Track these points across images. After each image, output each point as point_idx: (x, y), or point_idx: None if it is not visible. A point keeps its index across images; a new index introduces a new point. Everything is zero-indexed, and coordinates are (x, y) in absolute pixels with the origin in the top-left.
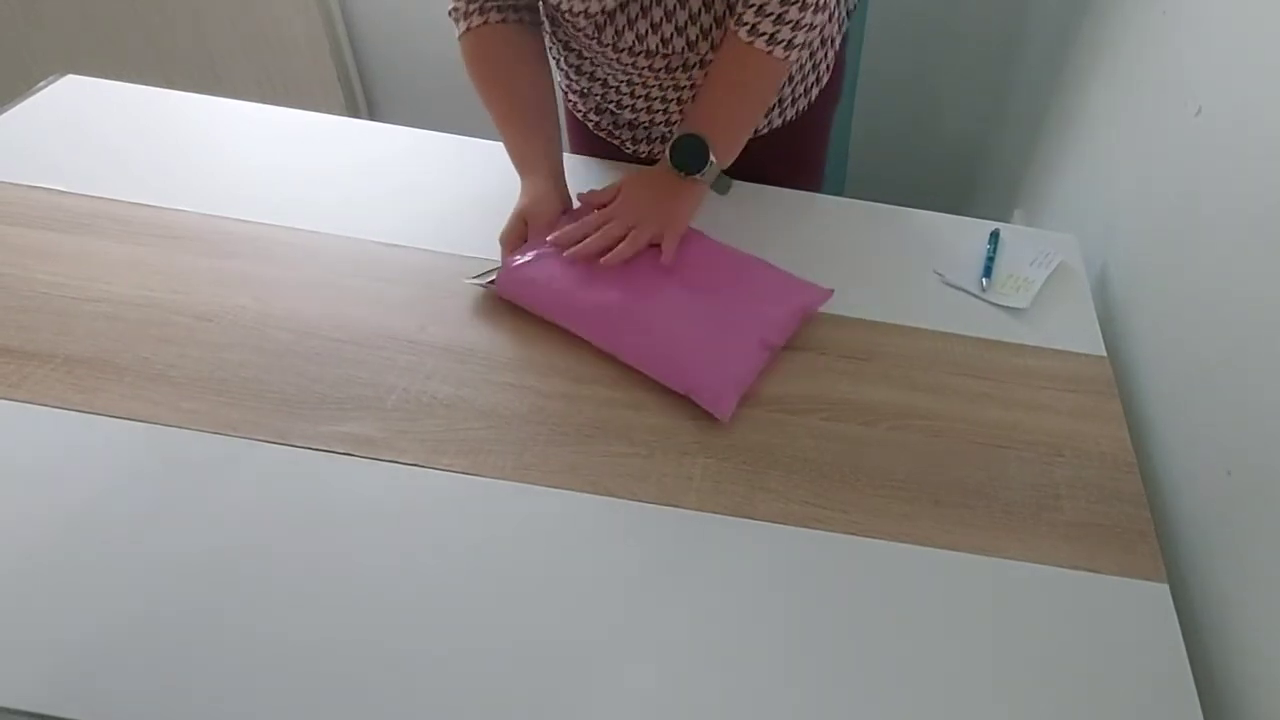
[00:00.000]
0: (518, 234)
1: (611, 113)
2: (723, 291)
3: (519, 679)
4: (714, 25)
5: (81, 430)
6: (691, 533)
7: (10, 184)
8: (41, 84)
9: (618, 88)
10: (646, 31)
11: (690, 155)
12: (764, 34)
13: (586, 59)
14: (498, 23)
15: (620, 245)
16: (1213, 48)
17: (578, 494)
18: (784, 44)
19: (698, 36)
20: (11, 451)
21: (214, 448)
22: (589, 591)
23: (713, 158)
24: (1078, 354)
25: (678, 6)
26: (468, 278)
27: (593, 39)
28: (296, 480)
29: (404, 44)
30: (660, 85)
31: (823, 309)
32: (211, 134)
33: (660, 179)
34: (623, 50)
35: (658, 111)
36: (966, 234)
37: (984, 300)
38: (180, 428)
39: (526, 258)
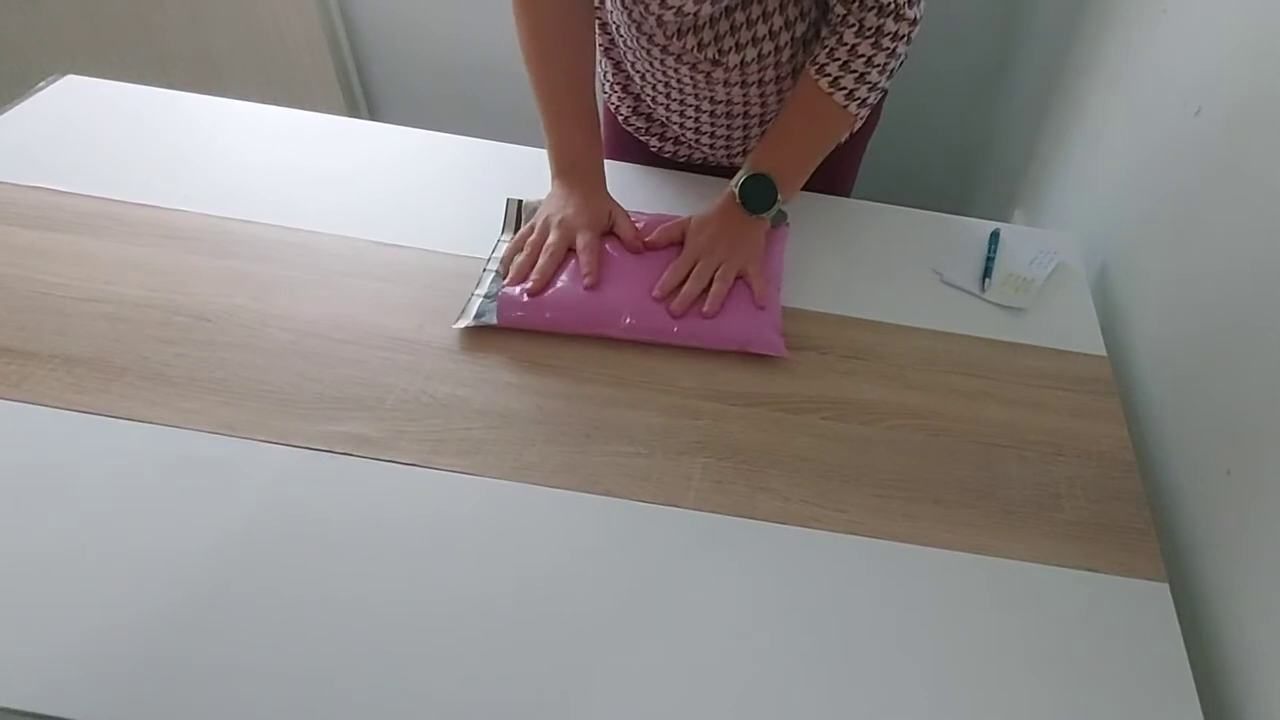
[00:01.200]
0: (560, 253)
1: (647, 113)
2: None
3: (518, 678)
4: (775, 53)
5: (81, 430)
6: (691, 532)
7: (10, 184)
8: (41, 84)
9: (654, 86)
10: (719, 40)
11: (760, 196)
12: (845, 89)
13: (631, 58)
14: None
15: (715, 287)
16: (1213, 48)
17: (577, 494)
18: (859, 101)
19: (756, 58)
20: (11, 451)
21: (213, 447)
22: (588, 591)
23: (780, 198)
24: (1078, 353)
25: (761, 24)
26: (455, 323)
27: (657, 43)
28: (296, 480)
29: (404, 44)
30: (697, 95)
31: (822, 309)
32: (211, 134)
33: (727, 217)
34: (682, 58)
35: (690, 119)
36: (966, 234)
37: (984, 300)
38: (179, 428)
39: (527, 285)
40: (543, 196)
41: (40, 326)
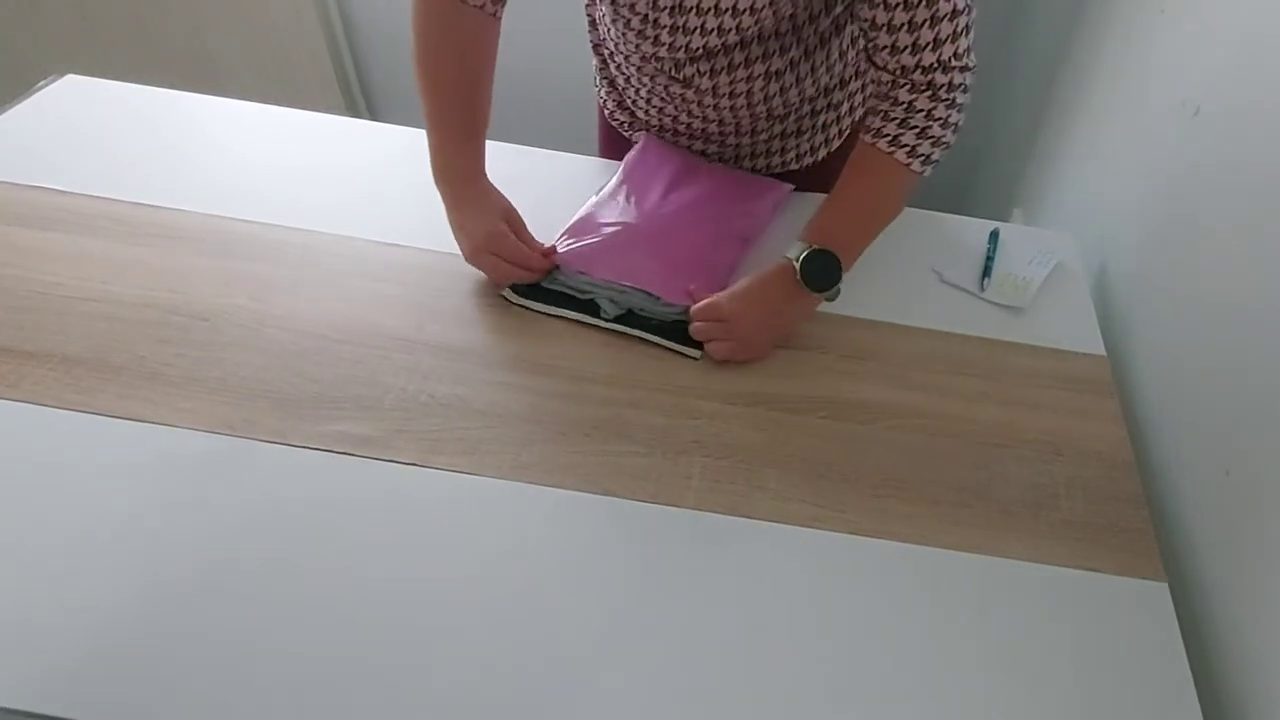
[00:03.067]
0: (505, 266)
1: (631, 111)
2: (715, 201)
3: (517, 677)
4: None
5: (79, 430)
6: (690, 532)
7: (10, 184)
8: (41, 84)
9: (636, 91)
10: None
11: (824, 274)
12: (906, 145)
13: (618, 61)
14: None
15: (720, 351)
16: (1213, 48)
17: (576, 493)
18: (923, 159)
19: (728, 84)
20: (10, 451)
21: (212, 447)
22: (587, 590)
23: (842, 276)
24: (1076, 353)
25: (738, 52)
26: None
27: (633, 63)
28: (294, 479)
29: (404, 44)
30: (675, 106)
31: (822, 309)
32: (211, 134)
33: (775, 295)
34: (656, 79)
35: (668, 117)
36: (966, 233)
37: (983, 299)
38: (178, 427)
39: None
40: (543, 202)
41: (39, 326)
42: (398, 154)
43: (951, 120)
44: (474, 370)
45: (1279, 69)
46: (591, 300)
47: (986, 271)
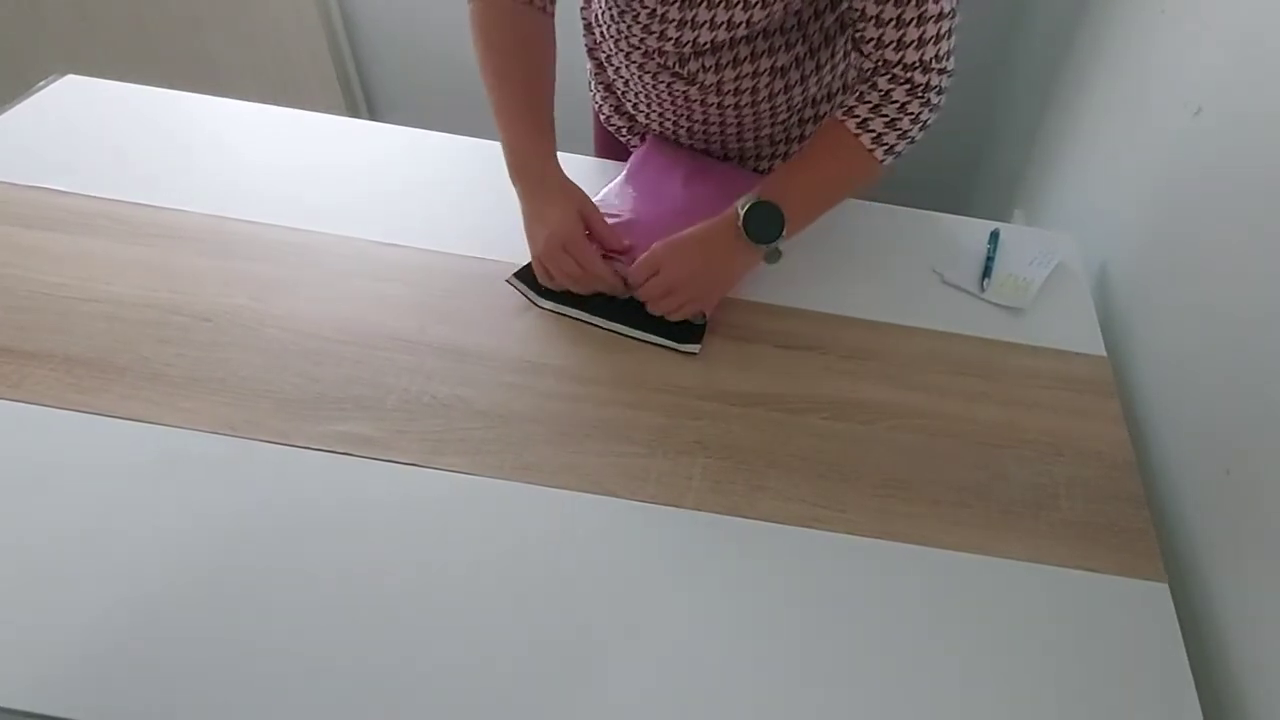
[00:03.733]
0: (579, 272)
1: (629, 114)
2: (731, 197)
3: (519, 677)
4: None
5: (81, 430)
6: (691, 532)
7: (10, 184)
8: (41, 84)
9: (636, 94)
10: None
11: (765, 225)
12: (873, 132)
13: (616, 63)
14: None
15: (658, 302)
16: (1213, 48)
17: (577, 493)
18: (887, 148)
19: (734, 79)
20: (10, 451)
21: (213, 447)
22: (588, 590)
23: (784, 234)
24: (1077, 353)
25: (744, 47)
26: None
27: (634, 60)
28: (296, 480)
29: (404, 44)
30: (675, 107)
31: (823, 309)
32: (211, 134)
33: (716, 245)
34: (659, 76)
35: (669, 119)
36: (966, 234)
37: (983, 300)
38: (179, 427)
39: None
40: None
41: (40, 326)
42: (398, 154)
43: (922, 117)
44: (476, 371)
45: (1279, 69)
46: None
47: (987, 272)
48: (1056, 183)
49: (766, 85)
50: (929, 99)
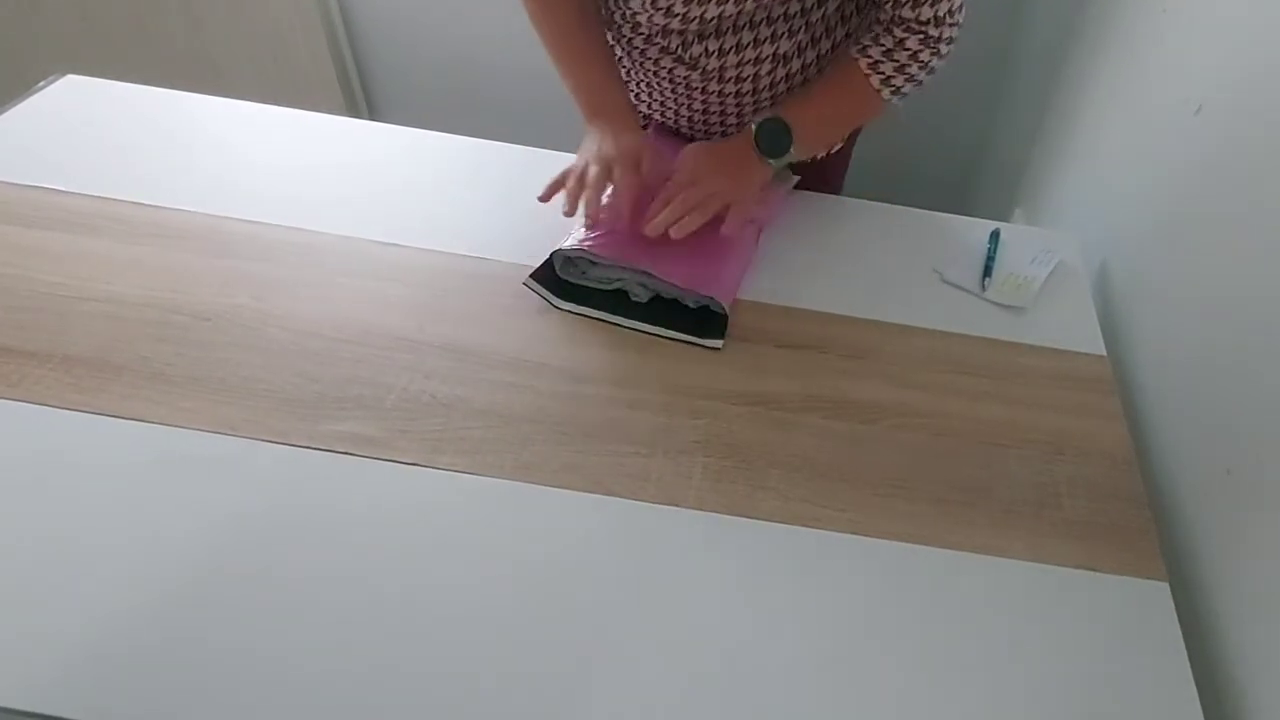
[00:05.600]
0: (602, 184)
1: (642, 114)
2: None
3: (518, 677)
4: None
5: (80, 430)
6: (691, 532)
7: (10, 184)
8: (41, 84)
9: (637, 83)
10: (716, 51)
11: (776, 139)
12: (883, 74)
13: (617, 52)
14: None
15: (691, 215)
16: (1213, 47)
17: (577, 493)
18: (894, 89)
19: (736, 65)
20: (10, 451)
21: (213, 447)
22: (588, 591)
23: (792, 150)
24: (1078, 353)
25: (747, 32)
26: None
27: (636, 46)
28: (296, 480)
29: (404, 44)
30: (676, 94)
31: (822, 308)
32: (211, 134)
33: (732, 151)
34: (660, 62)
35: (669, 109)
36: (966, 233)
37: (984, 299)
38: (179, 427)
39: (593, 235)
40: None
41: (39, 326)
42: (398, 154)
43: (931, 65)
44: (476, 370)
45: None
46: (619, 290)
47: (988, 271)
48: (1056, 182)
49: (768, 72)
50: (939, 49)
